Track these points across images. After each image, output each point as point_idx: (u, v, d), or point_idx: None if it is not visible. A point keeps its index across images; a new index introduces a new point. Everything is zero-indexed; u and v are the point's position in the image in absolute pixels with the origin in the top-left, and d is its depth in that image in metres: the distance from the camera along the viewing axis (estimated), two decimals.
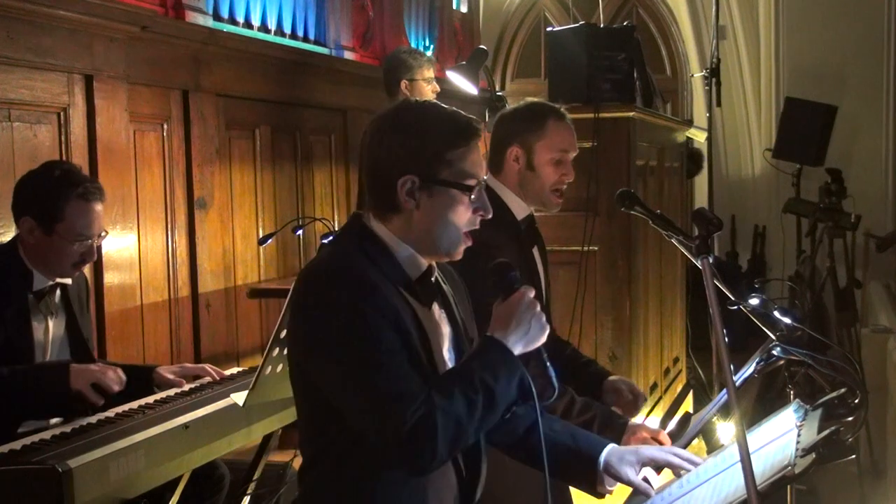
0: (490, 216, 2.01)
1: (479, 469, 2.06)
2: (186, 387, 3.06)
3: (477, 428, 1.86)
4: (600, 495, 2.21)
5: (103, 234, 2.97)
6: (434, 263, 2.04)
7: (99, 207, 2.90)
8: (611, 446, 2.19)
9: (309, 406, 1.99)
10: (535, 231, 2.83)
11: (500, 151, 2.75)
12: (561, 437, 2.16)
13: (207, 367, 3.22)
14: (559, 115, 2.74)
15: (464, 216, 1.96)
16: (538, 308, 1.94)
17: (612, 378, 2.82)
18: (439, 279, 2.06)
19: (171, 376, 3.07)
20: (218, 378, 3.17)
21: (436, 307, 2.02)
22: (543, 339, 1.95)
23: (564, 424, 2.29)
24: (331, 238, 2.12)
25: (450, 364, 2.01)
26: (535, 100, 2.83)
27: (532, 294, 1.95)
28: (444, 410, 1.79)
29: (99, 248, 2.99)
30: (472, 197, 1.96)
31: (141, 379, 3.01)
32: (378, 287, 1.86)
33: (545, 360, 1.97)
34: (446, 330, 2.04)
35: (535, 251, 2.79)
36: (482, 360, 1.88)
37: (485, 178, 2.00)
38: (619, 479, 2.15)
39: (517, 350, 1.91)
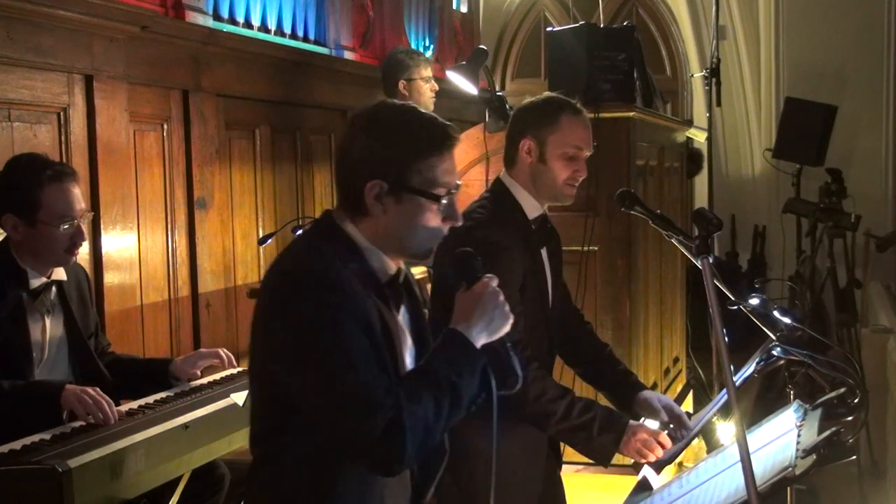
0: (459, 224, 1.98)
1: (436, 467, 2.04)
2: (191, 384, 3.10)
3: (444, 426, 1.86)
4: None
5: (88, 214, 2.95)
6: (403, 265, 2.02)
7: (74, 187, 2.88)
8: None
9: (268, 404, 1.96)
10: (548, 231, 2.80)
11: (514, 144, 2.72)
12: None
13: (221, 351, 3.21)
14: (574, 111, 2.70)
15: (432, 223, 1.93)
16: (501, 297, 1.92)
17: (646, 393, 2.76)
18: (409, 279, 2.04)
19: (187, 369, 3.12)
20: (227, 365, 3.19)
21: (402, 310, 2.00)
22: (507, 328, 1.92)
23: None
24: (300, 234, 2.08)
25: (409, 367, 1.98)
26: (553, 94, 2.79)
27: (495, 283, 1.93)
28: (411, 413, 1.77)
29: (98, 233, 2.94)
30: (442, 205, 1.93)
31: (158, 375, 3.09)
32: (350, 290, 1.84)
33: (509, 349, 1.93)
34: (408, 334, 2.01)
35: (544, 252, 2.76)
36: (446, 356, 1.86)
37: (458, 184, 1.96)
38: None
39: (480, 341, 1.89)
